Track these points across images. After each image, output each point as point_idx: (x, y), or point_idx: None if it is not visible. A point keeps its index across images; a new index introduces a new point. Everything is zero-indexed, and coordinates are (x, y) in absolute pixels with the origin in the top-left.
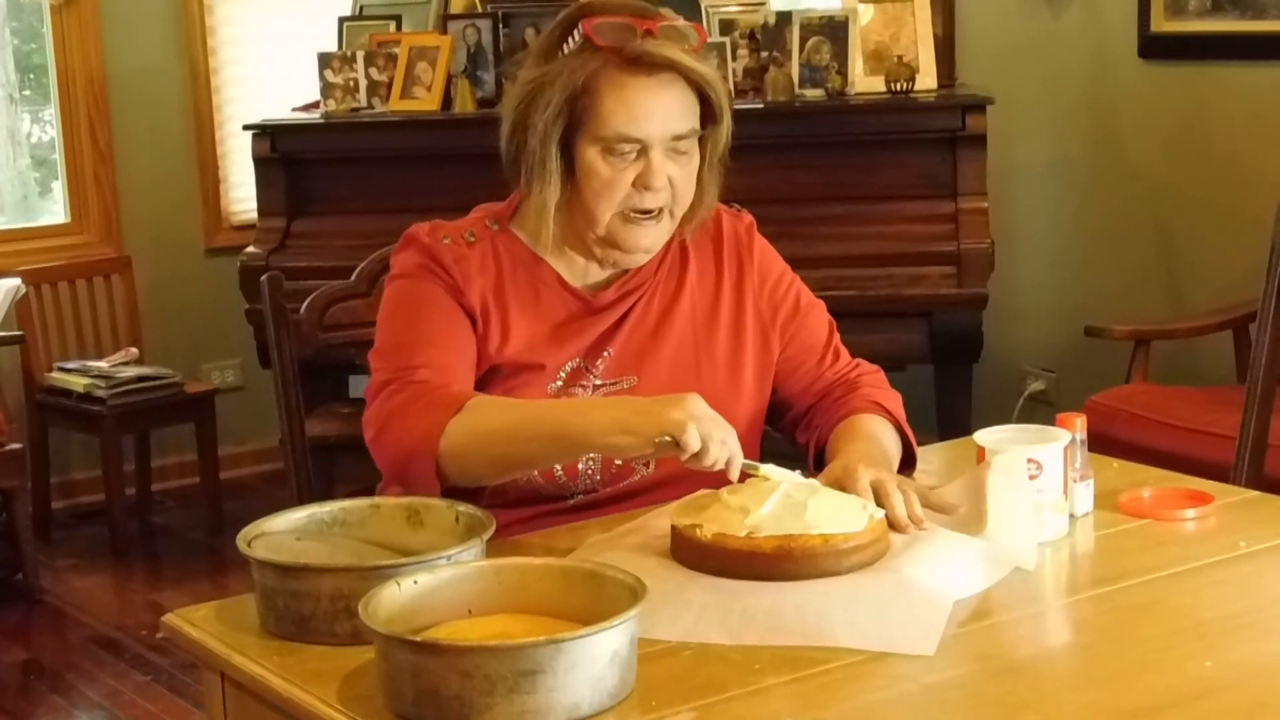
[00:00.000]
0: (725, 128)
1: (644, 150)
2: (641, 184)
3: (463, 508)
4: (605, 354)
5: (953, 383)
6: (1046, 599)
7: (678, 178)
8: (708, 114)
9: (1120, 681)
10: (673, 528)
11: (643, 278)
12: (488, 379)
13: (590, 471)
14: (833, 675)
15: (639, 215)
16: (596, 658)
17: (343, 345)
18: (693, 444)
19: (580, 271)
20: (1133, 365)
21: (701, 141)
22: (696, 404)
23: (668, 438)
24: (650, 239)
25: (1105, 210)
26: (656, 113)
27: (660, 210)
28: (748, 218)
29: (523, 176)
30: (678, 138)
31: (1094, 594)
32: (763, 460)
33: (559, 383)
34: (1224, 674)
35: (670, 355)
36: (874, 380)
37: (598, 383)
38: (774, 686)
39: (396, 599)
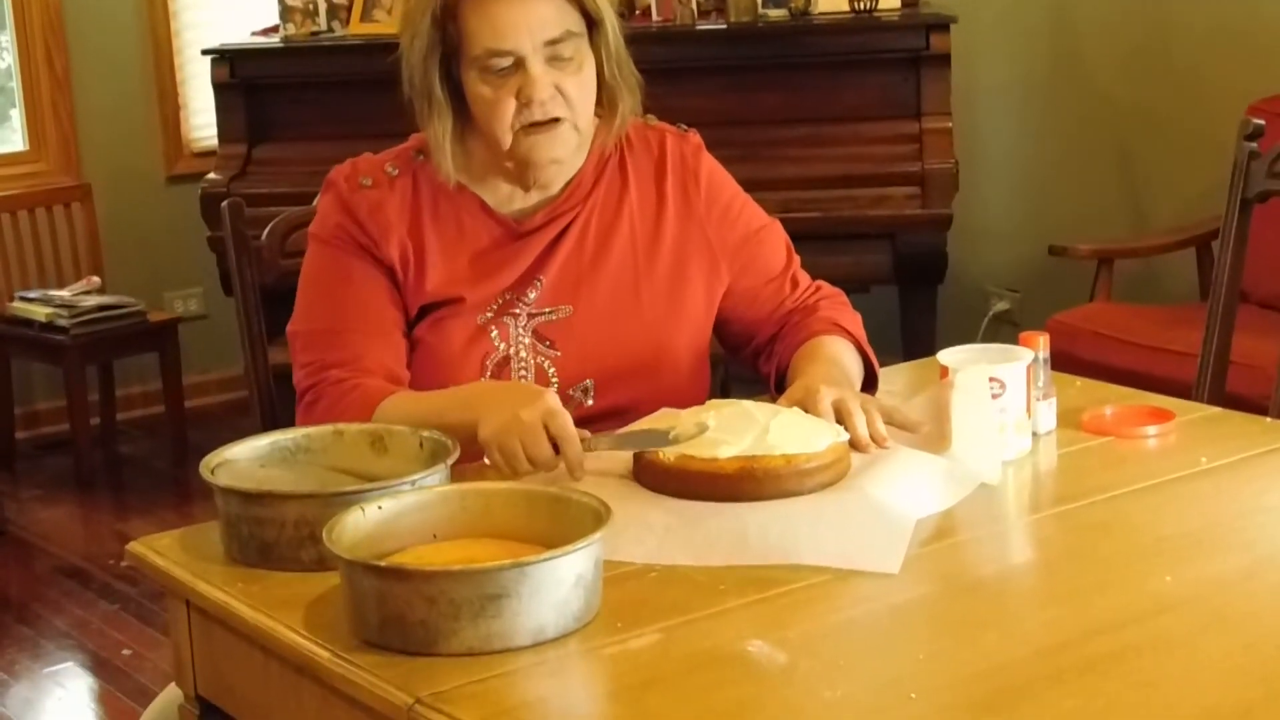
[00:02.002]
0: (610, 28)
1: (519, 63)
2: (524, 98)
3: (427, 433)
4: (537, 283)
5: (917, 304)
6: (1009, 517)
7: (568, 86)
8: (589, 18)
9: (1081, 598)
10: (635, 455)
11: (574, 201)
12: (421, 320)
13: None
14: (796, 596)
15: (535, 128)
16: (561, 581)
17: None
18: (500, 465)
19: (506, 197)
20: (1096, 284)
21: (595, 46)
22: (512, 418)
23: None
24: (555, 149)
25: (1068, 130)
26: (520, 21)
27: (558, 120)
28: (695, 138)
29: (417, 111)
30: (552, 43)
31: (1056, 511)
32: (725, 393)
33: (488, 314)
34: (1183, 590)
35: (609, 283)
36: (835, 302)
37: (531, 312)
38: (738, 607)
39: (361, 525)
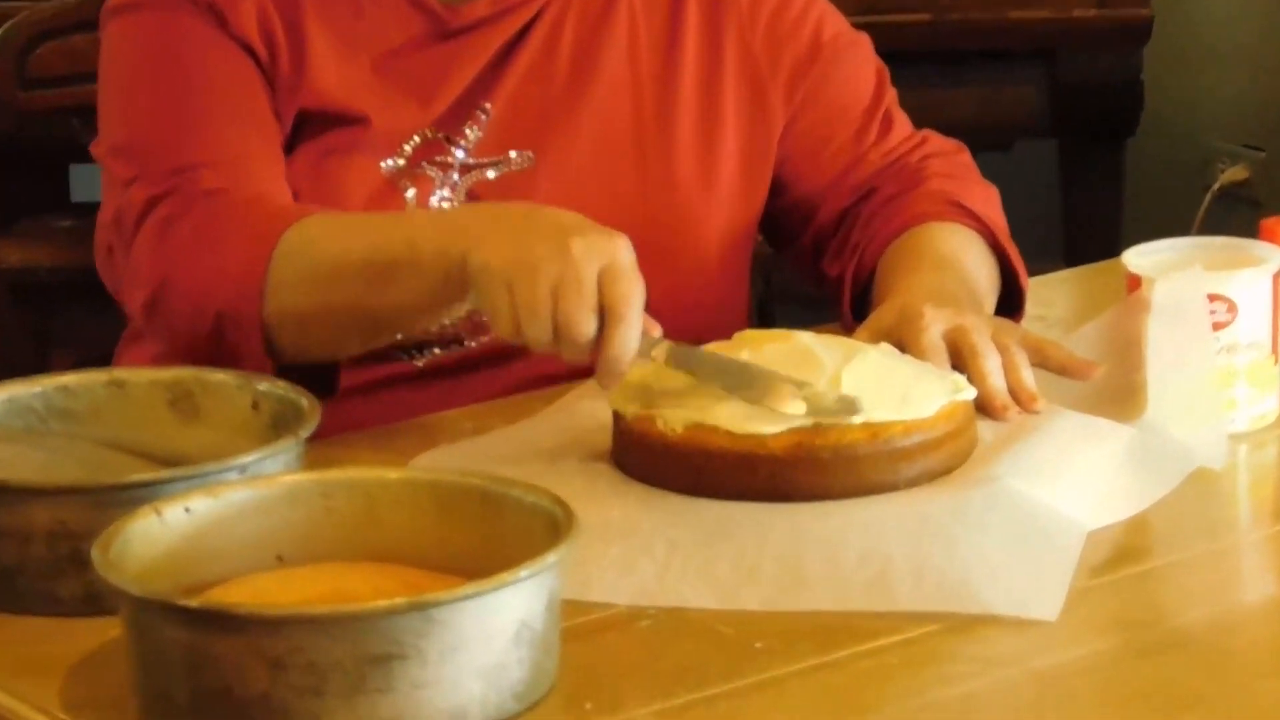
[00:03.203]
0: None
1: None
2: None
3: (265, 386)
4: (480, 114)
5: (1091, 171)
6: (1236, 529)
7: None
8: None
9: None
10: (615, 416)
11: None
12: (297, 146)
13: None
14: (884, 658)
15: None
16: (492, 633)
17: (59, 111)
18: (493, 317)
19: None
20: None
21: None
22: (555, 246)
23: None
24: None
25: None
26: None
27: None
28: None
29: None
30: None
31: None
32: (763, 321)
33: (401, 160)
34: None
35: (593, 122)
36: (952, 165)
37: (470, 162)
38: (788, 678)
39: (158, 539)
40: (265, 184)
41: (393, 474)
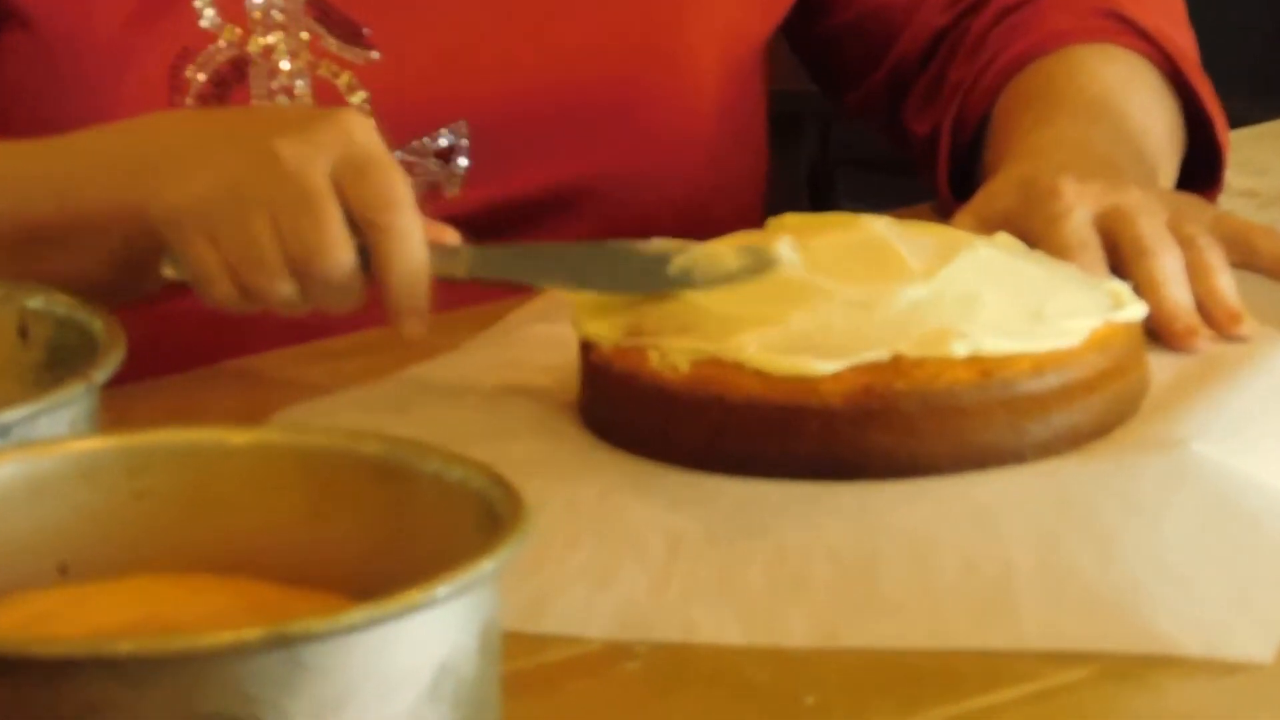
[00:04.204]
0: None
1: None
2: None
3: (39, 301)
4: None
5: None
6: None
7: None
8: None
9: None
10: (584, 347)
11: None
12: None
13: None
14: (1009, 717)
15: None
16: (396, 683)
17: None
18: (204, 286)
19: None
20: None
21: None
22: (258, 161)
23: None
24: None
25: None
26: None
27: None
28: None
29: None
30: None
31: None
32: (818, 202)
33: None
34: None
35: None
36: None
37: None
38: None
39: None
40: None
41: (238, 437)
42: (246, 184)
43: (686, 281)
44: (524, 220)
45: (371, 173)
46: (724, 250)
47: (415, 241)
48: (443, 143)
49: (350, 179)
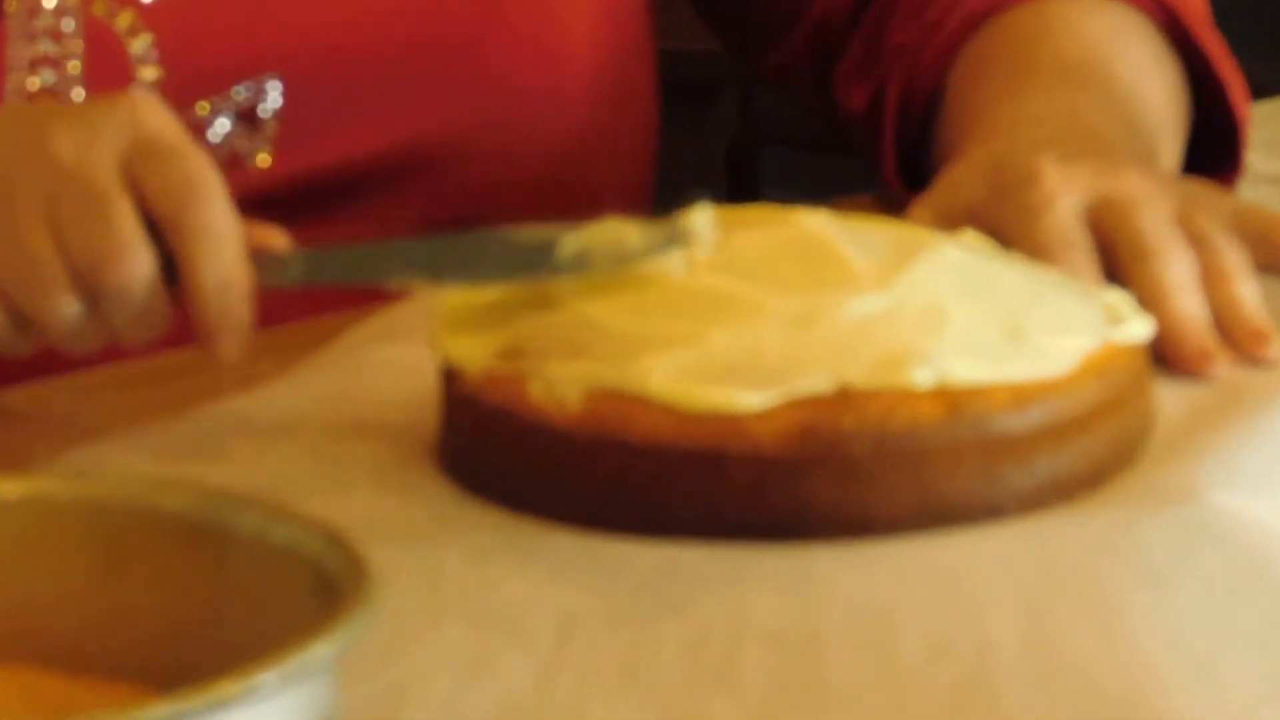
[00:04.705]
0: None
1: None
2: None
3: None
4: None
5: None
6: None
7: None
8: None
9: None
10: (446, 376)
11: None
12: None
13: None
14: None
15: None
16: None
17: None
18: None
19: None
20: None
21: None
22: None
23: None
24: None
25: None
26: None
27: None
28: None
29: None
30: None
31: None
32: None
33: None
34: None
35: None
36: None
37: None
38: None
39: None
40: None
41: (8, 489)
42: (14, 184)
43: (579, 265)
44: (349, 194)
45: (169, 160)
46: (623, 226)
47: (228, 241)
48: (245, 97)
49: (144, 170)
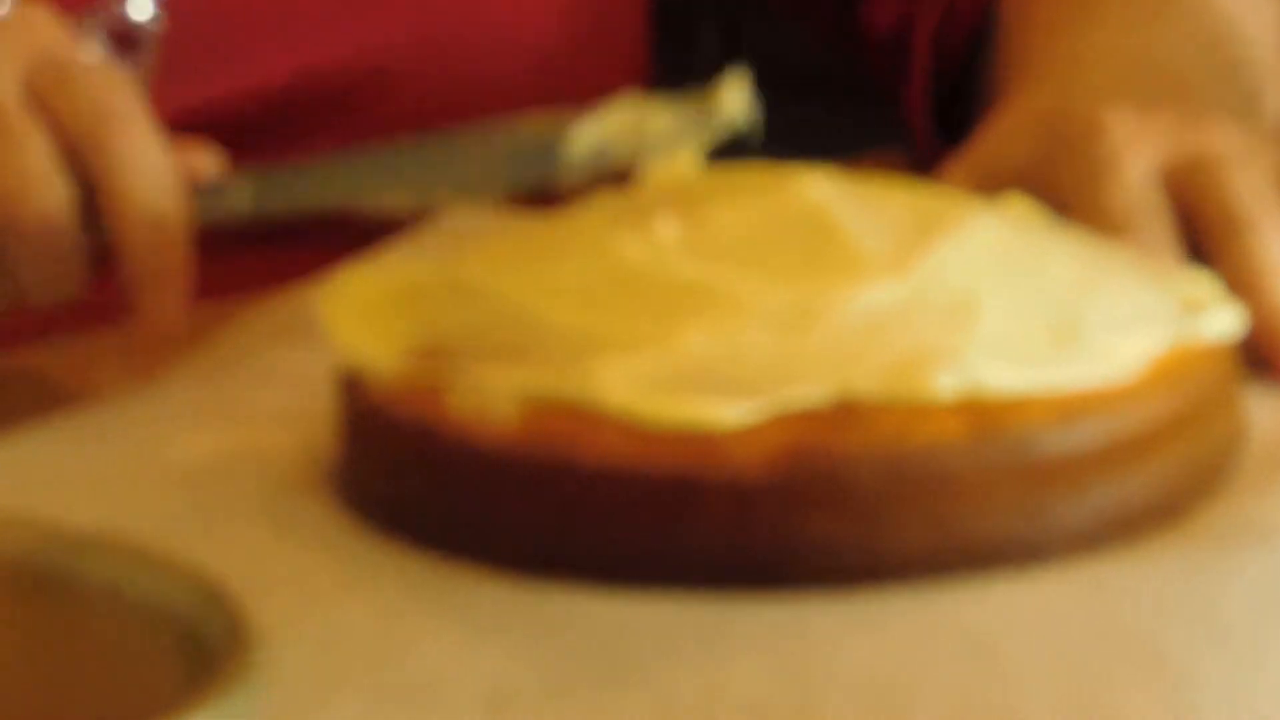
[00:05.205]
0: None
1: None
2: None
3: None
4: None
5: None
6: None
7: None
8: None
9: None
10: (347, 383)
11: None
12: None
13: None
14: None
15: None
16: None
17: None
18: None
19: None
20: None
21: None
22: None
23: None
24: None
25: None
26: None
27: None
28: None
29: None
30: None
31: None
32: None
33: None
34: None
35: None
36: None
37: None
38: None
39: None
40: None
41: None
42: None
43: (595, 161)
44: (282, 123)
45: (80, 80)
46: (642, 107)
47: (157, 167)
48: (135, 14)
49: (51, 93)
